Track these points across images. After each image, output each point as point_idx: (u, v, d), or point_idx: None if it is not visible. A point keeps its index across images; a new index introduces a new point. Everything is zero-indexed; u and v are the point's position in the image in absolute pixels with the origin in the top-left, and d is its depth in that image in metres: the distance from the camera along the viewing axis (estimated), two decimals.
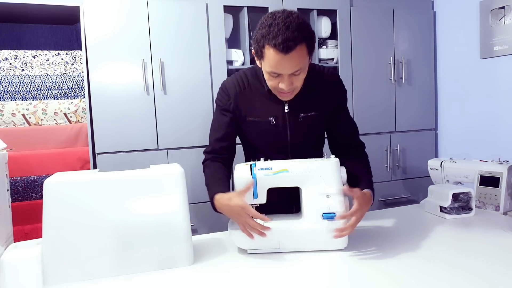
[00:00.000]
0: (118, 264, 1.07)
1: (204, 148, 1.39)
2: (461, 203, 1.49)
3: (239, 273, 1.08)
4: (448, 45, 2.62)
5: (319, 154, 1.42)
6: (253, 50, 1.23)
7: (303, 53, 1.14)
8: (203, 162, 1.37)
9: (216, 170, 1.32)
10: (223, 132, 1.34)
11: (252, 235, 1.15)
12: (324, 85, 1.35)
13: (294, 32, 1.10)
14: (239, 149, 1.43)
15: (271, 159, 1.24)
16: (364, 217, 1.51)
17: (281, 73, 1.17)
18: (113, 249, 1.07)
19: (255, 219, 1.14)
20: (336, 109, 1.38)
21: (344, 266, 1.10)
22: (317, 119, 1.34)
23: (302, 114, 1.32)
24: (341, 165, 1.26)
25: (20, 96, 2.02)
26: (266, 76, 1.23)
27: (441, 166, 1.79)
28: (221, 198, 1.19)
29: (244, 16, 2.24)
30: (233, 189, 1.24)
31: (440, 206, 1.50)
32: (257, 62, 1.25)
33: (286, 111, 1.31)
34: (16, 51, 2.01)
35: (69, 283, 1.04)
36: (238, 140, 1.40)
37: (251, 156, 1.40)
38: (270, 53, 1.13)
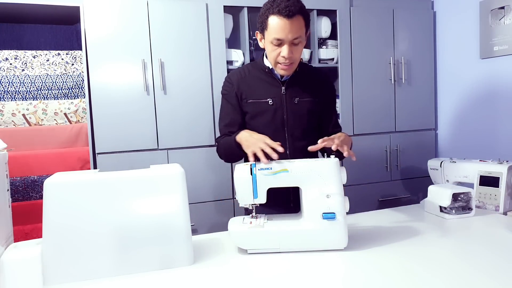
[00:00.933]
0: (118, 264, 1.07)
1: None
2: (461, 203, 1.50)
3: (239, 273, 1.08)
4: (448, 45, 2.62)
5: (314, 141, 1.40)
6: (257, 31, 1.42)
7: (302, 24, 1.32)
8: (217, 143, 1.55)
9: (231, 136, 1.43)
10: (229, 118, 1.50)
11: (265, 158, 1.21)
12: (316, 78, 1.53)
13: (295, 2, 1.30)
14: None
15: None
16: (364, 217, 1.52)
17: (283, 39, 1.31)
18: (113, 249, 1.07)
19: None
20: (326, 101, 1.53)
21: (344, 266, 1.10)
22: (311, 105, 1.48)
23: (297, 98, 1.46)
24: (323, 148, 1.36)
25: (20, 96, 2.02)
26: (268, 48, 1.38)
27: (441, 166, 1.79)
28: (244, 132, 1.36)
29: (244, 16, 2.24)
30: (233, 189, 1.24)
31: (440, 206, 1.50)
32: (260, 43, 1.43)
33: (283, 93, 1.45)
34: (16, 51, 2.01)
35: (69, 283, 1.04)
36: None
37: None
38: (274, 20, 1.30)
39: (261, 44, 1.43)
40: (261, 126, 1.45)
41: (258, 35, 1.43)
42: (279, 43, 1.33)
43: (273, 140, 1.28)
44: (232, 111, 1.50)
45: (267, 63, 1.46)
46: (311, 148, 1.27)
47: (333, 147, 1.24)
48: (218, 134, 2.17)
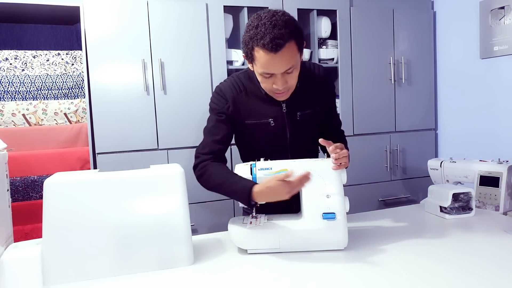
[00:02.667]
0: (118, 264, 1.07)
1: (196, 149, 1.36)
2: (461, 203, 1.50)
3: (239, 273, 1.08)
4: (448, 45, 2.62)
5: (315, 150, 1.44)
6: (243, 54, 1.24)
7: (293, 50, 1.15)
8: (201, 162, 1.33)
9: (228, 169, 1.29)
10: (221, 135, 1.32)
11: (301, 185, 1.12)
12: (316, 83, 1.36)
13: (281, 29, 1.10)
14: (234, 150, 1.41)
15: (271, 159, 1.25)
16: (364, 217, 1.52)
17: (274, 73, 1.17)
18: (113, 249, 1.07)
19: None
20: (328, 105, 1.42)
21: (344, 266, 1.10)
22: (314, 116, 1.37)
23: (299, 113, 1.34)
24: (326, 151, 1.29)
25: (20, 96, 2.02)
26: (259, 78, 1.23)
27: (441, 166, 1.79)
28: (259, 186, 1.15)
29: (244, 16, 2.24)
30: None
31: (440, 206, 1.50)
32: (249, 66, 1.26)
33: (284, 111, 1.32)
34: (16, 51, 2.01)
35: (69, 283, 1.04)
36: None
37: (250, 157, 1.36)
38: (260, 54, 1.13)
39: (251, 68, 1.26)
40: (261, 147, 1.36)
41: (248, 62, 1.25)
42: (270, 75, 1.19)
43: (277, 158, 1.24)
44: (224, 128, 1.33)
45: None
46: (322, 141, 1.19)
47: (332, 157, 1.18)
48: None
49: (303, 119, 1.34)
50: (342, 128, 1.55)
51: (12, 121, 2.00)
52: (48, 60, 2.06)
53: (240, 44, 1.26)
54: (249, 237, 1.19)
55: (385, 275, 1.01)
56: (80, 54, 2.10)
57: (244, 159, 1.44)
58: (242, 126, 1.34)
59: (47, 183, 1.05)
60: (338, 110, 2.45)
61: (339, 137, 1.48)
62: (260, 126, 1.32)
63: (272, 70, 1.16)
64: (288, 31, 1.11)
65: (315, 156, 1.44)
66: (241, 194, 1.17)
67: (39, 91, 2.05)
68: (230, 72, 2.20)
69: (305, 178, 1.11)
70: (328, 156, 1.24)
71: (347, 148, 1.31)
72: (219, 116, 1.33)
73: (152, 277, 1.06)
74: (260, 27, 1.12)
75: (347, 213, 1.20)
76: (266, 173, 1.20)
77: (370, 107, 2.51)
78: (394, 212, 1.61)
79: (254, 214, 1.27)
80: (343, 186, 1.22)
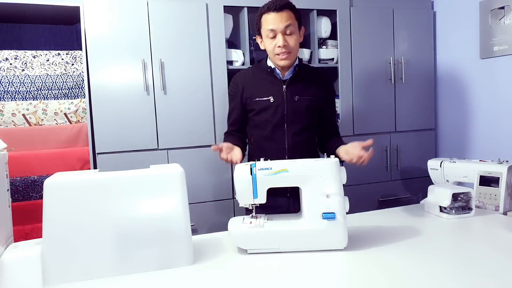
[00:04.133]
0: (118, 264, 1.07)
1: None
2: (461, 203, 1.50)
3: (239, 273, 1.08)
4: (447, 45, 2.62)
5: (312, 137, 1.67)
6: (257, 36, 1.60)
7: (291, 15, 1.49)
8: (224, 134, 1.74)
9: (228, 138, 1.64)
10: (233, 118, 1.68)
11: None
12: (316, 77, 1.64)
13: (282, 1, 1.49)
14: None
15: (269, 135, 1.57)
16: (364, 217, 1.53)
17: (275, 29, 1.48)
18: (113, 249, 1.07)
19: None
20: (325, 100, 1.64)
21: (344, 266, 1.10)
22: (310, 103, 1.59)
23: (297, 96, 1.58)
24: (325, 142, 1.65)
25: (21, 96, 2.02)
26: (266, 44, 1.54)
27: (440, 166, 1.79)
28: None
29: (244, 16, 2.24)
30: (233, 189, 1.24)
31: (440, 206, 1.50)
32: (261, 45, 1.58)
33: (284, 91, 1.57)
34: (17, 51, 2.01)
35: (69, 283, 1.04)
36: None
37: (253, 131, 1.65)
38: (265, 17, 1.50)
39: (261, 46, 1.59)
40: (263, 121, 1.59)
41: (258, 39, 1.60)
42: (274, 34, 1.49)
43: (273, 135, 1.57)
44: (235, 111, 1.67)
45: (270, 63, 1.60)
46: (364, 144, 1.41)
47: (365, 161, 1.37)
48: (218, 134, 2.20)
49: (300, 102, 1.58)
50: (340, 129, 1.73)
51: (12, 121, 2.00)
52: (48, 60, 2.06)
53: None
54: (249, 237, 1.19)
55: (385, 275, 1.02)
56: (80, 54, 2.10)
57: (249, 132, 1.68)
58: (249, 103, 1.61)
59: (47, 183, 1.05)
60: (338, 110, 2.45)
61: (335, 135, 1.70)
62: (263, 102, 1.58)
63: (274, 25, 1.48)
64: (287, 2, 1.50)
65: (314, 138, 1.68)
66: None
67: (39, 91, 2.05)
68: (230, 72, 2.20)
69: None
70: (328, 156, 1.25)
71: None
72: (232, 101, 1.68)
73: (152, 277, 1.06)
74: (266, 4, 1.51)
75: (347, 213, 1.20)
76: (266, 173, 1.20)
77: (370, 107, 2.51)
78: (394, 212, 1.62)
79: (254, 214, 1.27)
80: (343, 186, 1.22)
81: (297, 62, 1.60)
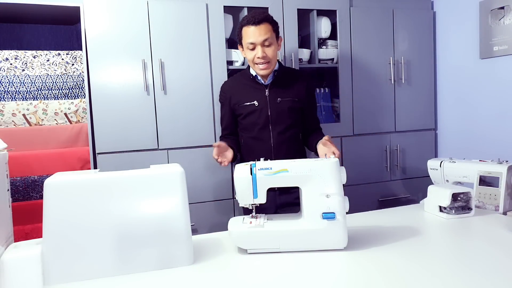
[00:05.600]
0: (118, 264, 1.07)
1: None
2: (460, 203, 1.50)
3: (239, 273, 1.08)
4: (447, 45, 2.62)
5: (296, 134, 1.80)
6: (238, 45, 1.73)
7: (269, 28, 1.62)
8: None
9: (225, 141, 1.74)
10: (225, 123, 1.87)
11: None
12: (295, 78, 1.78)
13: (260, 15, 1.62)
14: None
15: (256, 135, 1.72)
16: (364, 217, 1.53)
17: (255, 42, 1.62)
18: (113, 249, 1.07)
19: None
20: (306, 99, 1.77)
21: (344, 266, 1.10)
22: (292, 103, 1.73)
23: (279, 99, 1.72)
24: (308, 136, 1.81)
25: (21, 96, 2.02)
26: (247, 54, 1.67)
27: (440, 166, 1.79)
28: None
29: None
30: (233, 189, 1.24)
31: (440, 206, 1.50)
32: (242, 54, 1.73)
33: (266, 95, 1.72)
34: (17, 51, 2.01)
35: (69, 283, 1.04)
36: None
37: (243, 131, 1.81)
38: (245, 30, 1.64)
39: (243, 55, 1.75)
40: (250, 123, 1.75)
41: (240, 48, 1.74)
42: (253, 47, 1.63)
43: (260, 135, 1.72)
44: (226, 117, 1.85)
45: (252, 71, 1.75)
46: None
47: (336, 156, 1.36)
48: (218, 134, 2.22)
49: (282, 104, 1.72)
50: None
51: (13, 121, 2.00)
52: (48, 60, 2.06)
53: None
54: (249, 237, 1.19)
55: (384, 275, 1.02)
56: (80, 54, 2.10)
57: (239, 134, 1.84)
58: (238, 109, 1.77)
59: (47, 183, 1.05)
60: (338, 110, 2.45)
61: (316, 130, 1.85)
62: (248, 107, 1.74)
63: (253, 38, 1.61)
64: (265, 16, 1.62)
65: (298, 135, 1.81)
66: None
67: (40, 91, 2.05)
68: (230, 72, 2.20)
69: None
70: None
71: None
72: (222, 107, 1.87)
73: (152, 277, 1.06)
74: (245, 17, 1.65)
75: (346, 213, 1.21)
76: (265, 173, 1.20)
77: (370, 107, 2.51)
78: (393, 212, 1.62)
79: (254, 214, 1.27)
80: (343, 186, 1.22)
81: (276, 67, 1.73)
